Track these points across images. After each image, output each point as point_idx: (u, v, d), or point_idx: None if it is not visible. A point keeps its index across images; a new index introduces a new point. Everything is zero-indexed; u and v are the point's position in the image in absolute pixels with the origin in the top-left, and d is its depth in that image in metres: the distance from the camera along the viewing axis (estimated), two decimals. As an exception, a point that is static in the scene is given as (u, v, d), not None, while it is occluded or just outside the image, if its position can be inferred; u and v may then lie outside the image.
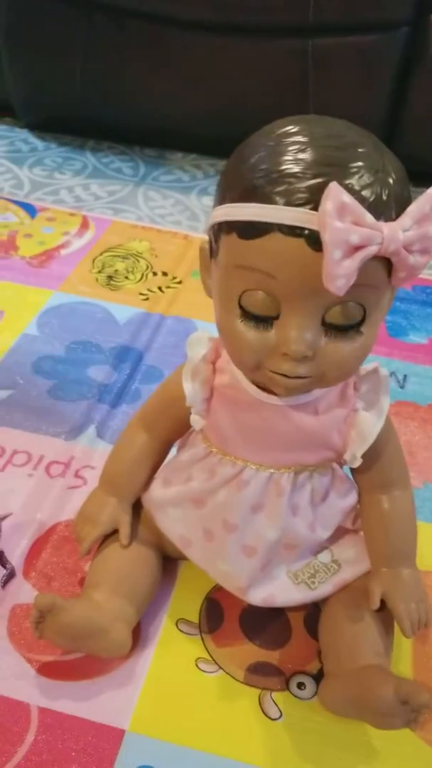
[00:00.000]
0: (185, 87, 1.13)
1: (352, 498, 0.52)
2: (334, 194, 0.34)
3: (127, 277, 0.92)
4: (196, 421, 0.50)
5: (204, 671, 0.52)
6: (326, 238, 0.34)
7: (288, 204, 0.36)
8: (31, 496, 0.63)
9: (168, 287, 0.91)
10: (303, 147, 0.37)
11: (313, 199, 0.35)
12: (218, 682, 0.51)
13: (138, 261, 0.96)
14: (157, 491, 0.54)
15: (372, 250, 0.35)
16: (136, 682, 0.51)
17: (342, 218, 0.34)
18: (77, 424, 0.71)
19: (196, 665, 0.52)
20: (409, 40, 1.06)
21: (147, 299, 0.89)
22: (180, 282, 0.92)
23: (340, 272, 0.35)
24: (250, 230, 0.37)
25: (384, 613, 0.51)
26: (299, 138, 0.38)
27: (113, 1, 1.08)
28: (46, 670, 0.51)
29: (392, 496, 0.52)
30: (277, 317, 0.39)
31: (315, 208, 0.35)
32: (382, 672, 0.48)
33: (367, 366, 0.49)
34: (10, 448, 0.67)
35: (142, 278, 0.93)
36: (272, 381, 0.42)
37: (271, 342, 0.40)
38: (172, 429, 0.54)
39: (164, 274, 0.94)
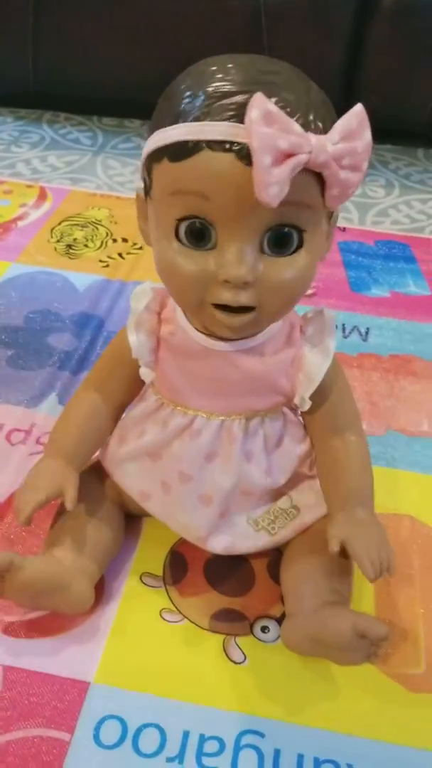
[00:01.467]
0: (139, 52, 1.11)
1: (306, 444, 0.53)
2: (260, 103, 0.35)
3: (86, 245, 0.92)
4: (145, 373, 0.50)
5: (168, 621, 0.52)
6: (254, 144, 0.35)
7: (214, 120, 0.36)
8: (-8, 463, 0.63)
9: (128, 253, 0.91)
10: (228, 72, 0.38)
11: (240, 114, 0.36)
12: (183, 631, 0.52)
13: (97, 229, 0.95)
14: (113, 448, 0.54)
15: (302, 158, 0.35)
16: (100, 635, 0.51)
17: (269, 125, 0.35)
18: (38, 392, 0.70)
19: (161, 616, 0.53)
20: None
21: (107, 266, 0.88)
22: (141, 248, 0.91)
23: (271, 179, 0.35)
24: (180, 151, 0.37)
25: (343, 554, 0.52)
26: (225, 65, 0.38)
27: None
28: (11, 629, 0.51)
29: (345, 439, 0.51)
30: (214, 245, 0.39)
31: (242, 122, 0.36)
32: (340, 608, 0.48)
33: (313, 309, 0.50)
34: (-30, 418, 0.67)
35: (101, 246, 0.92)
36: (215, 320, 0.42)
37: (211, 270, 0.39)
38: (121, 388, 0.53)
39: (124, 240, 0.93)
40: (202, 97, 0.37)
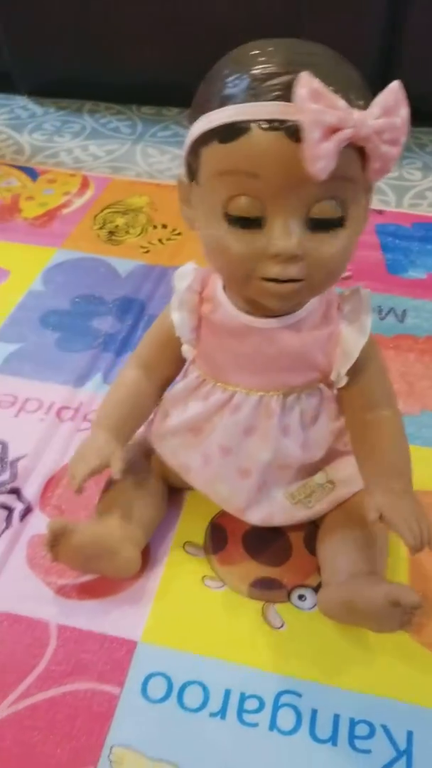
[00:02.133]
0: (176, 39, 1.13)
1: (342, 420, 0.54)
2: (306, 81, 0.36)
3: (127, 232, 0.94)
4: (186, 350, 0.52)
5: (210, 587, 0.55)
6: (304, 120, 0.36)
7: (263, 100, 0.38)
8: (43, 438, 0.66)
9: (168, 239, 0.93)
10: (270, 55, 0.39)
11: (286, 94, 0.37)
12: (224, 597, 0.55)
13: (138, 215, 0.97)
14: (157, 423, 0.57)
15: (347, 132, 0.37)
16: (147, 598, 0.54)
17: (317, 102, 0.36)
18: (84, 372, 0.74)
19: (203, 582, 0.55)
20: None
21: (148, 252, 0.91)
22: (180, 234, 0.94)
23: (320, 153, 0.37)
24: (230, 132, 0.39)
25: (378, 527, 0.54)
26: (265, 49, 0.40)
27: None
28: (63, 591, 0.55)
29: (380, 415, 0.52)
30: (262, 223, 0.41)
31: (289, 101, 0.37)
32: (374, 577, 0.50)
33: (350, 288, 0.51)
34: (23, 396, 0.71)
35: (142, 232, 0.94)
36: (264, 292, 0.43)
37: (260, 247, 0.41)
38: (166, 365, 0.55)
39: (164, 226, 0.95)
40: (248, 80, 0.39)
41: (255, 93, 0.38)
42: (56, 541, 0.51)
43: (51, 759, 0.46)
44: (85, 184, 1.04)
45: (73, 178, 1.06)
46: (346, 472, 0.56)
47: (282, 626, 0.53)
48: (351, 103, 0.38)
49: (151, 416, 0.59)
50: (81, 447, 0.55)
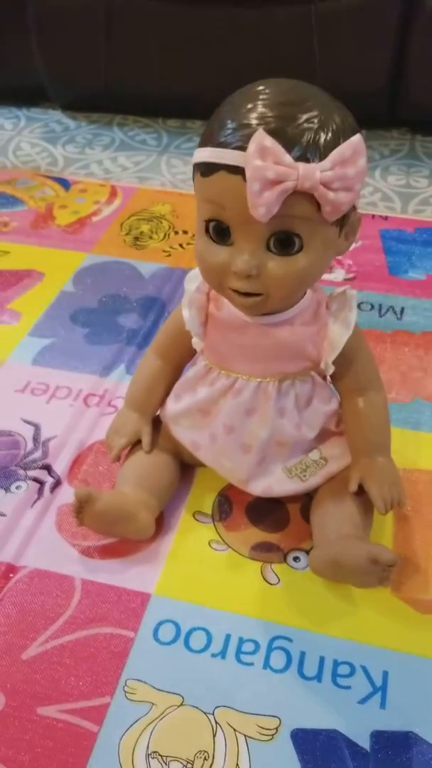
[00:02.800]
0: (199, 58, 1.21)
1: (333, 404, 0.62)
2: (258, 139, 0.44)
3: (151, 237, 1.03)
4: (196, 343, 0.60)
5: (215, 549, 0.63)
6: (248, 173, 0.44)
7: (229, 148, 0.45)
8: (71, 421, 0.75)
9: (188, 244, 1.01)
10: (256, 105, 0.46)
11: (246, 145, 0.44)
12: (227, 558, 0.62)
13: (161, 222, 1.06)
14: (171, 405, 0.65)
15: (289, 185, 0.44)
16: (160, 558, 0.62)
17: (263, 158, 0.43)
18: (109, 363, 0.82)
19: (209, 545, 0.63)
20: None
21: (169, 256, 0.99)
22: (199, 239, 1.01)
23: (260, 202, 0.44)
24: (206, 169, 0.47)
25: (364, 498, 0.61)
26: (258, 97, 0.47)
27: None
28: (87, 552, 0.63)
29: (367, 397, 0.60)
30: (232, 241, 0.49)
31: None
32: (358, 538, 0.58)
33: (337, 288, 0.59)
34: (54, 384, 0.79)
35: (164, 237, 1.03)
36: (233, 299, 0.52)
37: (227, 262, 0.49)
38: (179, 353, 0.64)
39: (185, 232, 1.04)
40: (227, 125, 0.46)
41: (226, 140, 0.46)
42: (81, 508, 0.59)
43: (74, 689, 0.54)
44: (113, 194, 1.13)
45: (103, 187, 1.15)
46: (338, 450, 0.63)
47: (278, 583, 0.60)
48: (305, 156, 0.44)
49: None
50: (115, 423, 0.67)
